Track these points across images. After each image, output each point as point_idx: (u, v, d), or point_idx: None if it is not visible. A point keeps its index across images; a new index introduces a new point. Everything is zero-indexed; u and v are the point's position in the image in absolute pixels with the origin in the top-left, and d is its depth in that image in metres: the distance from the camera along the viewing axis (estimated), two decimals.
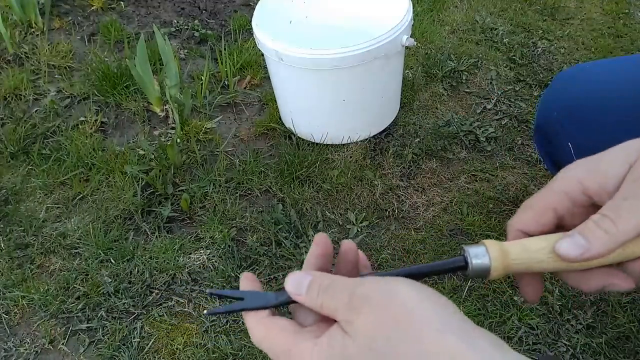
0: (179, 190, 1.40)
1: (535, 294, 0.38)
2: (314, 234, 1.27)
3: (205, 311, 0.37)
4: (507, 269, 0.35)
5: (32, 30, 1.98)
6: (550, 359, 0.33)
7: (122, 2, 2.14)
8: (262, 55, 1.56)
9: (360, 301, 0.31)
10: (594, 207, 0.35)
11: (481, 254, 0.35)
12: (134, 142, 1.57)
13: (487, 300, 1.15)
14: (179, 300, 1.18)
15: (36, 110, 1.68)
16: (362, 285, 0.32)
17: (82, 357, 1.11)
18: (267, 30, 1.33)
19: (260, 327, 0.35)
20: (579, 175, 0.35)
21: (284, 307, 0.37)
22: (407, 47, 1.36)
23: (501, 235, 1.26)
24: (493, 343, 0.30)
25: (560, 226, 0.37)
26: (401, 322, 0.30)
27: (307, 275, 0.35)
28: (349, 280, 0.33)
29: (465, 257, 0.36)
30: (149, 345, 1.11)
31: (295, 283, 0.35)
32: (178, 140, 1.53)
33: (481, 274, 0.35)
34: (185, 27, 2.00)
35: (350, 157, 1.47)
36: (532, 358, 0.31)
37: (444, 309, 0.31)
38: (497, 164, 1.45)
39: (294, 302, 0.36)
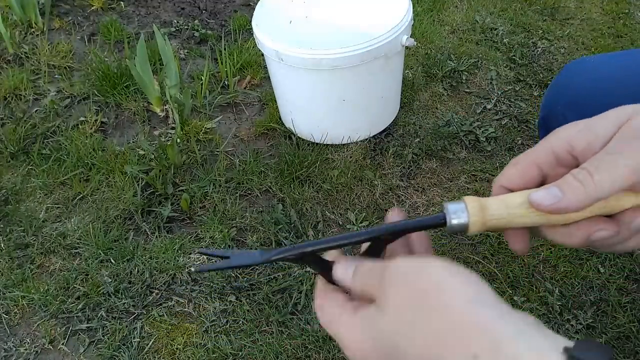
0: (179, 190, 1.40)
1: (523, 245, 0.38)
2: (314, 234, 1.28)
3: (192, 268, 0.39)
4: (486, 225, 0.35)
5: (32, 30, 1.98)
6: (594, 344, 0.31)
7: (122, 2, 2.14)
8: (262, 55, 1.56)
9: (392, 277, 0.32)
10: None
11: (460, 211, 0.35)
12: (134, 142, 1.57)
13: None
14: (179, 300, 1.18)
15: (36, 110, 1.68)
16: (394, 262, 0.33)
17: (82, 357, 1.11)
18: (267, 30, 1.33)
19: (317, 295, 0.37)
20: (569, 135, 0.35)
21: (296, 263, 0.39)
22: (407, 47, 1.36)
23: (501, 236, 1.26)
24: (528, 321, 0.29)
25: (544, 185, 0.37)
26: (431, 294, 0.30)
27: (353, 262, 0.37)
28: (385, 261, 0.34)
29: (444, 213, 0.36)
30: (149, 345, 1.11)
31: (343, 270, 0.37)
32: (178, 140, 1.53)
33: (460, 230, 0.36)
34: (185, 27, 2.00)
35: (350, 157, 1.47)
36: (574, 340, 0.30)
37: (477, 284, 0.30)
38: (497, 164, 1.45)
39: (279, 260, 0.38)
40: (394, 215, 0.40)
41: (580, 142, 0.34)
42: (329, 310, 0.36)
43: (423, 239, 0.41)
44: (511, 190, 0.37)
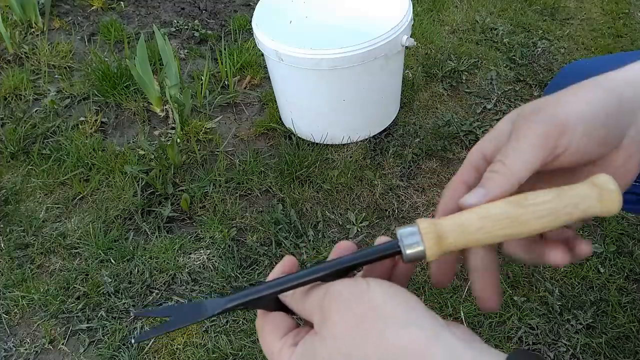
0: (179, 190, 1.40)
1: (449, 275, 0.40)
2: (314, 234, 1.28)
3: (132, 340, 0.37)
4: (444, 248, 0.34)
5: (32, 30, 1.98)
6: (525, 353, 0.32)
7: (122, 2, 2.14)
8: (262, 55, 1.56)
9: (332, 303, 0.32)
10: None
11: (415, 240, 0.34)
12: (134, 142, 1.57)
13: None
14: (179, 300, 1.18)
15: (36, 110, 1.68)
16: (333, 286, 0.33)
17: (82, 357, 1.11)
18: (267, 30, 1.33)
19: (259, 322, 0.37)
20: (479, 146, 0.39)
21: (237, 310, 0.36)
22: (407, 47, 1.36)
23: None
24: (460, 337, 0.30)
25: None
26: (366, 321, 0.30)
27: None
28: (327, 283, 0.34)
29: (399, 244, 0.34)
30: (149, 345, 1.11)
31: (289, 293, 0.37)
32: (178, 140, 1.53)
33: (418, 260, 0.34)
34: (185, 27, 2.00)
35: (350, 157, 1.47)
36: (503, 352, 0.30)
37: (409, 304, 0.31)
38: None
39: (233, 309, 0.35)
40: (341, 249, 0.39)
41: (488, 147, 0.38)
42: (269, 340, 0.35)
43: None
44: (452, 213, 0.37)
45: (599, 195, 0.33)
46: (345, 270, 0.35)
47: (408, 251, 0.34)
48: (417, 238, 0.34)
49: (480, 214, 0.34)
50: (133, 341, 0.36)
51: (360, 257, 0.35)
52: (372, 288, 0.32)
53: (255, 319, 0.37)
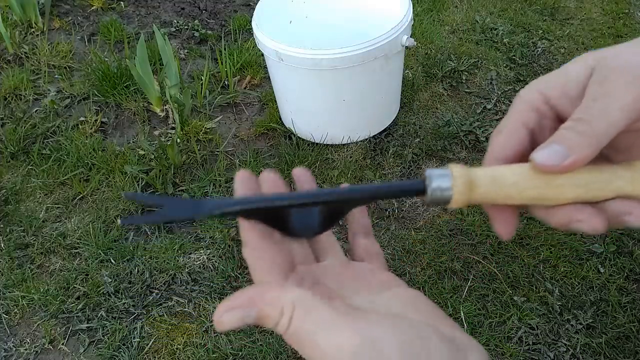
0: (179, 190, 1.40)
1: (510, 228, 0.35)
2: None
3: (119, 221, 0.33)
4: (470, 202, 0.32)
5: (32, 30, 1.98)
6: None
7: (122, 2, 2.14)
8: (262, 55, 1.56)
9: None
10: (560, 121, 0.33)
11: (444, 183, 0.32)
12: (134, 142, 1.57)
13: (487, 300, 1.15)
14: (179, 300, 1.18)
15: (36, 110, 1.68)
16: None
17: (82, 357, 1.11)
18: (267, 30, 1.33)
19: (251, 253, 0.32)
20: (540, 86, 0.34)
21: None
22: (407, 47, 1.36)
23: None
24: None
25: (535, 147, 0.34)
26: None
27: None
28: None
29: (425, 183, 0.32)
30: (149, 345, 1.11)
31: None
32: (178, 140, 1.53)
33: (441, 203, 0.32)
34: (185, 27, 2.00)
35: (350, 157, 1.47)
36: None
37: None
38: None
39: (231, 215, 0.32)
40: (297, 176, 0.35)
41: (554, 91, 0.33)
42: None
43: (364, 214, 0.38)
44: (506, 160, 0.34)
45: (632, 177, 0.33)
46: (364, 199, 0.33)
47: (434, 193, 0.32)
48: (448, 181, 0.32)
49: (515, 170, 0.33)
50: (119, 222, 0.32)
51: (383, 189, 0.33)
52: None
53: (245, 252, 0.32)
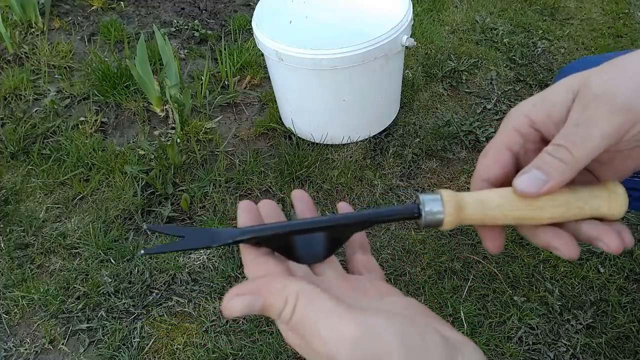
0: (179, 190, 1.40)
1: (498, 243, 0.37)
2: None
3: (141, 251, 0.35)
4: (460, 223, 0.35)
5: (32, 30, 1.98)
6: None
7: (122, 2, 2.14)
8: (262, 55, 1.56)
9: None
10: (544, 142, 0.35)
11: (436, 207, 0.34)
12: (134, 142, 1.57)
13: (487, 300, 1.15)
14: (179, 300, 1.18)
15: (36, 110, 1.68)
16: None
17: (82, 357, 1.11)
18: (267, 30, 1.33)
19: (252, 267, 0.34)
20: (525, 110, 0.35)
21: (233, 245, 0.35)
22: (407, 47, 1.36)
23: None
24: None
25: (519, 168, 0.36)
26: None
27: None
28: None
29: (419, 207, 0.35)
30: (149, 345, 1.11)
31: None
32: (178, 140, 1.53)
33: (433, 226, 0.35)
34: (185, 27, 2.00)
35: (350, 157, 1.47)
36: None
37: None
38: None
39: (241, 242, 0.34)
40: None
41: (539, 115, 0.34)
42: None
43: (361, 232, 0.39)
44: (491, 182, 0.37)
45: (608, 196, 0.35)
46: (363, 224, 0.36)
47: (427, 216, 0.34)
48: (439, 205, 0.34)
49: (499, 193, 0.35)
50: (142, 252, 0.34)
51: (380, 214, 0.36)
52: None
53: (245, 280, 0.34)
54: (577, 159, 0.32)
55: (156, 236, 1.31)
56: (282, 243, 0.35)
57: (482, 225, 0.37)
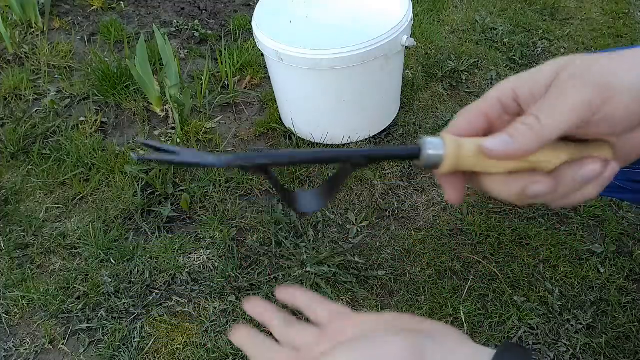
0: (179, 190, 1.40)
1: (459, 194, 0.39)
2: (314, 234, 1.28)
3: (133, 155, 0.36)
4: (458, 164, 0.36)
5: (32, 30, 1.98)
6: (512, 346, 0.35)
7: (122, 2, 2.14)
8: (262, 55, 1.56)
9: None
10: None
11: (437, 145, 0.35)
12: (134, 142, 1.57)
13: (487, 300, 1.15)
14: (179, 300, 1.18)
15: (36, 110, 1.68)
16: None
17: (82, 357, 1.11)
18: (267, 30, 1.33)
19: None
20: (513, 83, 0.37)
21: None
22: (407, 47, 1.36)
23: (501, 236, 1.26)
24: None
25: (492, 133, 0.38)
26: None
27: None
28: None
29: (420, 146, 0.36)
30: (149, 345, 1.11)
31: None
32: (178, 140, 1.53)
33: (433, 164, 0.36)
34: (185, 27, 2.00)
35: None
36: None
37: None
38: None
39: (238, 167, 0.35)
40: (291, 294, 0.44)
41: (524, 90, 0.36)
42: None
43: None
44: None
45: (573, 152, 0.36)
46: (364, 159, 0.36)
47: (430, 151, 0.35)
48: (440, 145, 0.35)
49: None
50: (133, 156, 0.35)
51: (380, 151, 0.37)
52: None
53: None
54: (545, 127, 0.33)
55: (155, 236, 1.31)
56: (282, 191, 0.37)
57: (444, 176, 0.37)
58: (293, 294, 0.43)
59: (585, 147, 0.35)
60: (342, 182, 0.38)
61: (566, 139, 0.35)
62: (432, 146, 0.35)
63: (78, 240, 1.31)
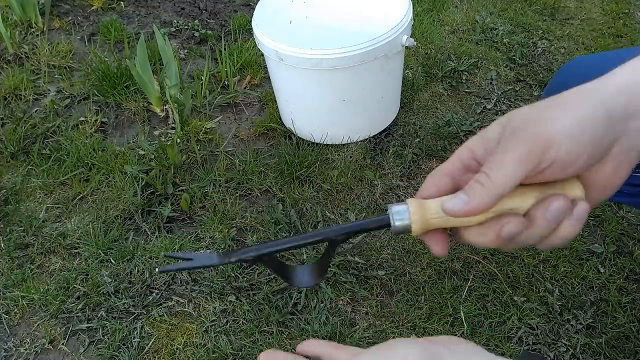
0: (179, 190, 1.40)
1: (442, 246, 0.42)
2: None
3: (157, 269, 0.41)
4: (427, 226, 0.39)
5: (32, 30, 1.98)
6: (530, 356, 0.39)
7: (122, 2, 2.14)
8: (262, 55, 1.56)
9: None
10: None
11: (403, 213, 0.39)
12: (134, 142, 1.57)
13: (487, 300, 1.15)
14: (179, 300, 1.18)
15: (36, 110, 1.68)
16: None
17: (82, 357, 1.11)
18: (267, 30, 1.33)
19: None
20: (470, 144, 0.40)
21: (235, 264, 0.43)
22: (407, 47, 1.36)
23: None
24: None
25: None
26: None
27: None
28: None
29: (389, 216, 0.39)
30: (149, 345, 1.11)
31: None
32: (178, 140, 1.53)
33: (403, 232, 0.39)
34: (185, 27, 2.00)
35: (350, 157, 1.47)
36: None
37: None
38: None
39: (240, 262, 0.41)
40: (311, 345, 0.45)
41: (479, 149, 0.39)
42: None
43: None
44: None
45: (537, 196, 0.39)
46: (344, 236, 0.41)
47: (397, 223, 0.39)
48: (405, 211, 0.39)
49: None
50: (157, 270, 0.44)
51: (356, 225, 0.41)
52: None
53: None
54: (495, 183, 0.36)
55: (155, 236, 1.31)
56: (279, 267, 0.42)
57: (429, 231, 0.41)
58: (312, 345, 0.45)
59: (554, 187, 0.37)
60: (329, 261, 0.43)
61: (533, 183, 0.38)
62: (398, 216, 0.39)
63: (78, 240, 1.31)
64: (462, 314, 1.12)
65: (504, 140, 0.37)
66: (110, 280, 1.21)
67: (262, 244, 0.41)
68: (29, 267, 1.26)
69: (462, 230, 0.40)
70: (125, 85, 1.71)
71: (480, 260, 1.22)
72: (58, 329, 1.15)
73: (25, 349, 1.12)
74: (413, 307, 1.14)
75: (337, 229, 0.40)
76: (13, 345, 1.13)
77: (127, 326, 1.14)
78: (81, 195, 1.41)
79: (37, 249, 1.29)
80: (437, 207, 0.39)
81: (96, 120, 1.62)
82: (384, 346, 0.35)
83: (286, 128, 1.55)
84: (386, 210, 0.39)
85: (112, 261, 1.26)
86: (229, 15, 2.08)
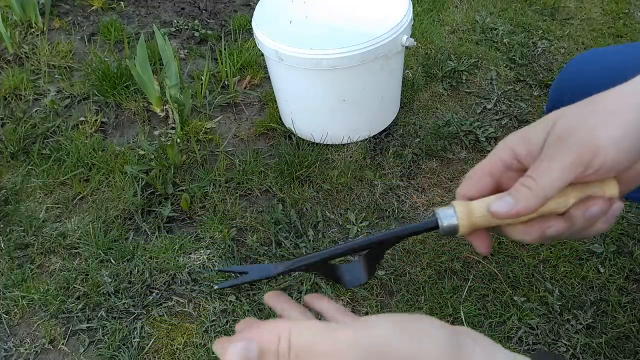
0: (179, 190, 1.40)
1: (486, 245, 0.43)
2: (314, 233, 1.28)
3: (215, 286, 0.40)
4: (473, 226, 0.41)
5: (32, 30, 1.98)
6: (547, 354, 0.40)
7: (122, 2, 2.14)
8: (262, 55, 1.56)
9: None
10: (525, 171, 0.40)
11: (450, 215, 0.40)
12: (134, 142, 1.57)
13: (487, 300, 1.15)
14: (179, 300, 1.18)
15: (36, 110, 1.68)
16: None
17: (82, 357, 1.11)
18: (267, 30, 1.33)
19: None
20: (511, 143, 0.41)
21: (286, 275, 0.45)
22: (407, 47, 1.36)
23: (500, 236, 1.26)
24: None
25: (500, 190, 0.42)
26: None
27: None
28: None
29: (436, 218, 0.41)
30: (149, 345, 1.11)
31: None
32: (178, 140, 1.53)
33: (451, 232, 0.41)
34: (185, 27, 2.00)
35: (350, 157, 1.47)
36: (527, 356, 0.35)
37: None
38: None
39: (292, 271, 0.42)
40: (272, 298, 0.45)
41: (521, 150, 0.41)
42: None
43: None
44: (472, 199, 0.42)
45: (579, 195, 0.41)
46: (391, 241, 0.43)
47: (445, 223, 0.41)
48: (452, 214, 0.40)
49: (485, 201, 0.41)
50: (215, 287, 0.45)
51: (407, 229, 0.42)
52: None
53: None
54: (542, 187, 0.38)
55: (155, 236, 1.31)
56: (328, 270, 0.44)
57: (471, 233, 0.42)
58: (320, 302, 0.45)
59: (593, 186, 0.39)
60: (378, 262, 0.45)
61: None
62: (446, 219, 0.40)
63: (78, 240, 1.31)
64: (462, 314, 1.12)
65: (550, 146, 0.38)
66: (110, 280, 1.21)
67: (315, 253, 0.42)
68: (29, 267, 1.26)
69: (506, 228, 0.41)
70: (125, 85, 1.71)
71: (480, 260, 1.22)
72: (58, 329, 1.15)
73: (25, 349, 1.12)
74: (413, 307, 1.14)
75: (388, 234, 0.42)
76: (13, 345, 1.13)
77: (127, 326, 1.14)
78: (81, 195, 1.41)
79: (37, 249, 1.29)
80: (481, 208, 0.40)
81: (96, 120, 1.62)
82: (414, 318, 0.33)
83: (286, 128, 1.55)
84: (432, 214, 0.41)
85: (112, 261, 1.26)
86: (229, 15, 2.08)
